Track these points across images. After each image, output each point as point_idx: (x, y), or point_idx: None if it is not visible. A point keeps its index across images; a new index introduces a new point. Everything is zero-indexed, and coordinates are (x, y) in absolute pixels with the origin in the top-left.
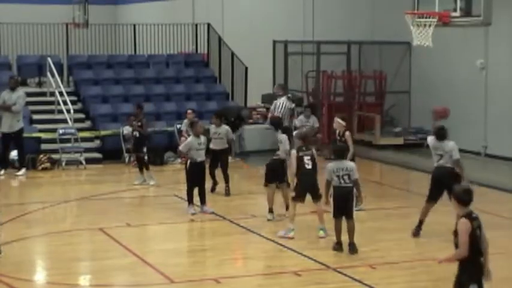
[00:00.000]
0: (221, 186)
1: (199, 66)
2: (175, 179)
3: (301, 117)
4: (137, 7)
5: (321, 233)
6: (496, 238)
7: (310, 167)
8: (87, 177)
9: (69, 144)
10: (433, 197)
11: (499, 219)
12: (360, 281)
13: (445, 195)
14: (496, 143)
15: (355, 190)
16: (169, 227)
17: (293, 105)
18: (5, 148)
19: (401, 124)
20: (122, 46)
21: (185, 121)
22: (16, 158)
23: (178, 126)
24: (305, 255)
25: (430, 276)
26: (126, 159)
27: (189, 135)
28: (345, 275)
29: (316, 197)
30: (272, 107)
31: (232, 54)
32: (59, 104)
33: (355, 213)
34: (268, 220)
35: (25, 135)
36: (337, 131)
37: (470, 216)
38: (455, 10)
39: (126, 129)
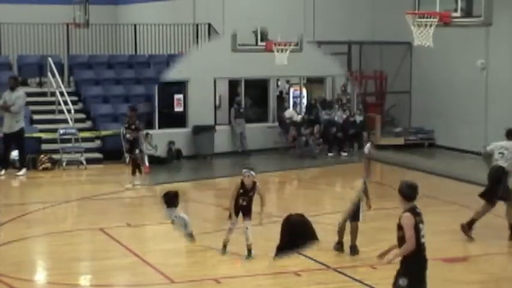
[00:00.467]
0: None
1: None
2: None
3: None
4: (138, 7)
5: None
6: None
7: None
8: (88, 177)
9: (69, 145)
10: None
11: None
12: (360, 281)
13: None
14: None
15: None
16: (169, 227)
17: None
18: (5, 148)
19: (401, 124)
20: (122, 46)
21: None
22: (17, 158)
23: None
24: (305, 255)
25: (430, 275)
26: (127, 160)
27: None
28: (346, 275)
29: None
30: None
31: None
32: (59, 104)
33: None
34: None
35: (26, 135)
36: None
37: (414, 211)
38: (456, 10)
39: None
